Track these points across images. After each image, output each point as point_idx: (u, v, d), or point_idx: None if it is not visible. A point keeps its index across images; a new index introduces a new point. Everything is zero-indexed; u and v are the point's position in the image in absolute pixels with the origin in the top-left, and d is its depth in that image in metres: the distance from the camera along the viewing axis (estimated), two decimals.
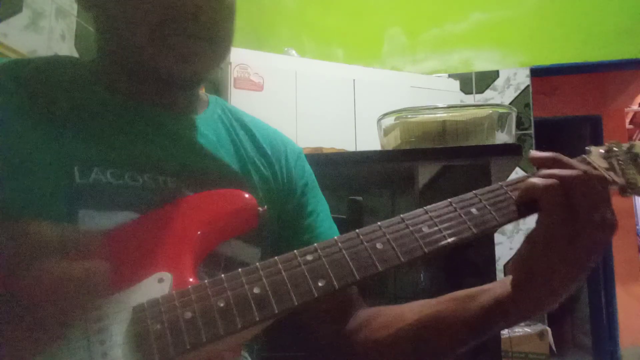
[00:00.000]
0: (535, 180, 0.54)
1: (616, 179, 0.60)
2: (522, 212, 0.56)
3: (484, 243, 1.17)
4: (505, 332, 2.34)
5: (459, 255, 1.17)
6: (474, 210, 0.55)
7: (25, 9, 1.46)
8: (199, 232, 0.57)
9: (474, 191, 0.57)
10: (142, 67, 0.64)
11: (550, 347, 2.48)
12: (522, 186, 0.56)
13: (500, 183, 0.58)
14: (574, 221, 0.52)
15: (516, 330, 2.43)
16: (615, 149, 0.63)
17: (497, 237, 2.86)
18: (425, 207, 0.55)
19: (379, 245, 0.52)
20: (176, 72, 0.64)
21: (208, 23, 0.64)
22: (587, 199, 0.53)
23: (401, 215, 0.55)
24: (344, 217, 1.27)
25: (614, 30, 2.97)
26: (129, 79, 0.67)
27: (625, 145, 0.63)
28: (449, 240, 0.53)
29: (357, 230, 0.53)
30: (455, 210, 0.55)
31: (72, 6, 1.67)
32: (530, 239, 0.55)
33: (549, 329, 2.51)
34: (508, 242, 2.89)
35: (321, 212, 0.78)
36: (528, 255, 0.56)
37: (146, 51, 0.63)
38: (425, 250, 0.52)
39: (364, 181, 1.57)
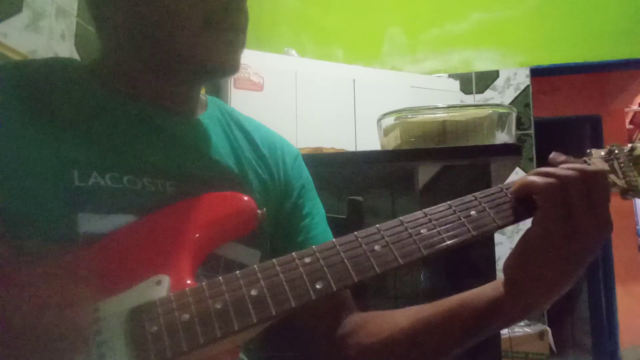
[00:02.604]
0: (534, 178, 0.55)
1: (617, 181, 0.60)
2: (521, 214, 0.56)
3: (484, 243, 1.17)
4: (505, 332, 2.34)
5: (459, 256, 1.17)
6: (473, 212, 0.55)
7: (25, 9, 1.45)
8: (197, 235, 0.57)
9: (473, 194, 0.57)
10: (185, 60, 0.64)
11: (550, 347, 2.48)
12: (520, 183, 0.56)
13: (499, 186, 0.58)
14: (569, 220, 0.53)
15: (516, 330, 2.42)
16: (616, 151, 0.63)
17: (497, 237, 2.85)
18: (424, 210, 0.56)
19: (377, 248, 0.52)
20: (225, 62, 0.65)
21: (244, 14, 0.66)
22: (586, 201, 0.53)
23: (400, 218, 0.55)
24: (344, 217, 1.27)
25: (614, 30, 2.96)
26: (148, 76, 0.67)
27: (626, 148, 0.63)
28: (448, 242, 0.53)
29: (355, 233, 0.53)
30: (455, 213, 0.55)
31: (72, 6, 1.66)
32: (526, 237, 0.56)
33: (549, 329, 2.51)
34: (508, 242, 2.89)
35: (316, 214, 0.78)
36: (523, 254, 0.56)
37: (197, 44, 0.63)
38: (424, 252, 0.52)
39: (364, 181, 1.57)
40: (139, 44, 0.65)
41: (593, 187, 0.53)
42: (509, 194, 0.57)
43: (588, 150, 0.64)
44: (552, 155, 0.59)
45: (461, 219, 0.55)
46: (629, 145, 0.63)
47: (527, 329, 2.45)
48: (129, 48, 0.66)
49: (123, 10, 0.65)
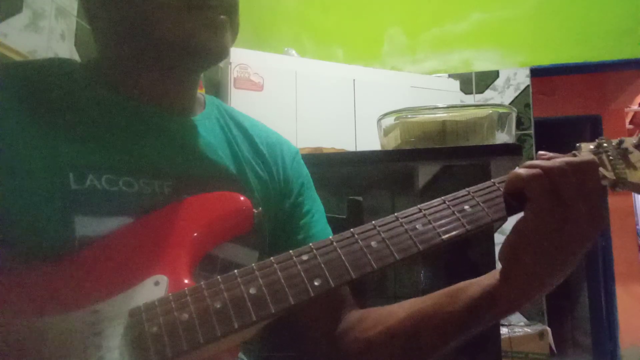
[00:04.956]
0: (519, 170, 0.55)
1: (606, 174, 0.61)
2: (514, 207, 0.56)
3: (484, 243, 1.17)
4: (505, 332, 2.34)
5: (459, 255, 1.17)
6: (467, 207, 0.56)
7: (25, 9, 1.45)
8: (194, 235, 0.57)
9: (466, 189, 0.58)
10: (169, 42, 0.63)
11: (550, 347, 2.48)
12: (508, 177, 0.57)
13: (492, 180, 0.59)
14: (561, 211, 0.53)
15: (516, 330, 2.42)
16: (604, 144, 0.63)
17: (497, 237, 2.85)
18: (419, 206, 0.56)
19: (373, 244, 0.52)
20: (209, 43, 0.64)
21: None
22: (574, 189, 0.53)
23: (395, 214, 0.55)
24: (344, 217, 1.27)
25: (614, 30, 2.96)
26: (143, 71, 0.66)
27: (614, 141, 0.64)
28: (443, 237, 0.54)
29: (351, 230, 0.54)
30: (449, 208, 0.56)
31: (72, 6, 1.66)
32: (517, 227, 0.56)
33: (549, 329, 2.51)
34: None
35: (316, 212, 0.79)
36: (515, 244, 0.56)
37: (179, 25, 0.62)
38: (420, 247, 0.53)
39: (364, 181, 1.56)
40: (127, 35, 0.65)
41: (580, 176, 0.54)
42: (501, 188, 0.58)
43: (577, 144, 0.65)
44: (539, 153, 0.59)
45: (455, 214, 0.55)
46: (618, 138, 0.64)
47: (527, 329, 2.45)
48: (121, 42, 0.66)
49: (110, 4, 0.65)
